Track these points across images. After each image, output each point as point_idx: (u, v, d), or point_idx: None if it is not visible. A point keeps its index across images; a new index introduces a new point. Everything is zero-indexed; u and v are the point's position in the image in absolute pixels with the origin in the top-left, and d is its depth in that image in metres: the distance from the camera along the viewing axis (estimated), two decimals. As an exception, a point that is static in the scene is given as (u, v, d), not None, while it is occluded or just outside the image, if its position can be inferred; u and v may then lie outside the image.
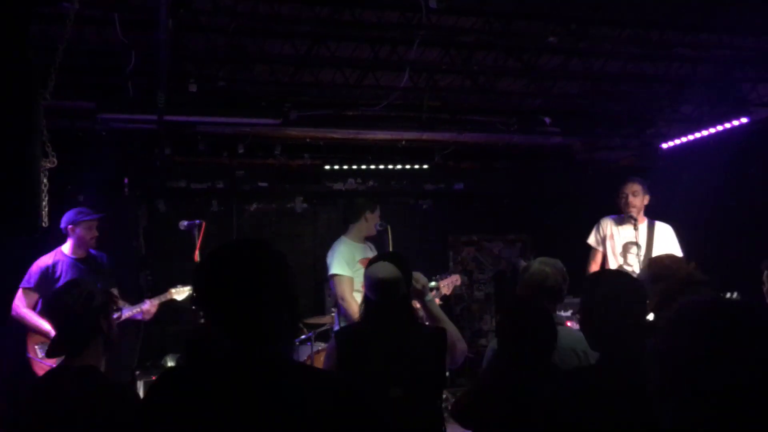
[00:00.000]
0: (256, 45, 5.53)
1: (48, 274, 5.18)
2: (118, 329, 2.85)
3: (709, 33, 5.57)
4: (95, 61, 5.53)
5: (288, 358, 1.80)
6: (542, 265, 3.45)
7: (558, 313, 3.35)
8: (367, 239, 5.69)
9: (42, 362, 5.02)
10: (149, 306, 5.50)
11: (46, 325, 4.96)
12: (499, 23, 5.26)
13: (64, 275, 5.19)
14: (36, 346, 5.09)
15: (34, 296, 5.14)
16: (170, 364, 7.00)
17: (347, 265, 5.40)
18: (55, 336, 2.77)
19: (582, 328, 2.65)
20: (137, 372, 6.80)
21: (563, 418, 2.39)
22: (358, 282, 5.36)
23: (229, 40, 5.34)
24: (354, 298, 5.28)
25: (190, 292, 5.72)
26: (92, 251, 5.47)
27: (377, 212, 5.65)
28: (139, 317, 5.49)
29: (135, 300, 7.29)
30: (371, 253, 5.56)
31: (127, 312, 5.36)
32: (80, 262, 5.31)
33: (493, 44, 5.63)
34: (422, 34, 5.18)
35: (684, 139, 7.08)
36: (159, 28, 4.26)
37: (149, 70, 5.18)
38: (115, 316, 2.85)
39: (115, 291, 5.07)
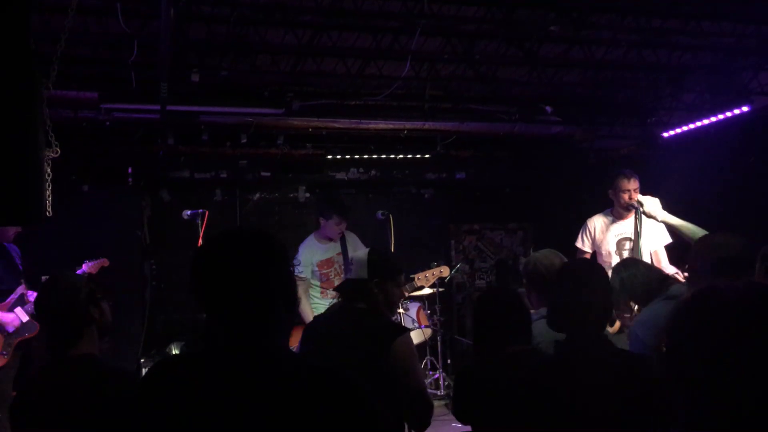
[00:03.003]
0: (257, 34, 5.54)
1: None
2: (112, 315, 2.84)
3: (710, 21, 5.57)
4: (98, 52, 5.56)
5: (283, 350, 1.76)
6: (552, 254, 3.45)
7: None
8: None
9: None
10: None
11: None
12: (500, 12, 5.27)
13: None
14: None
15: None
16: (175, 352, 7.04)
17: (303, 267, 5.80)
18: (48, 334, 2.74)
19: (549, 318, 2.66)
20: (142, 360, 6.85)
21: (532, 399, 2.43)
22: (316, 283, 5.85)
23: (230, 29, 5.35)
24: (306, 299, 5.72)
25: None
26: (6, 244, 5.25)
27: (333, 221, 5.75)
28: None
29: (137, 292, 7.34)
30: (332, 253, 5.84)
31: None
32: None
33: (494, 33, 5.64)
34: (423, 23, 5.20)
35: (685, 128, 7.08)
36: (161, 17, 4.27)
37: (152, 60, 5.20)
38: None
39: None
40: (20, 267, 5.23)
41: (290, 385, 1.62)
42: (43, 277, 5.32)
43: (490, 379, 2.74)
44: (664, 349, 1.47)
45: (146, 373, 1.74)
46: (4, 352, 4.97)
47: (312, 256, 5.81)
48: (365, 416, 1.67)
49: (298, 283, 5.67)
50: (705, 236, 3.52)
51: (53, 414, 2.47)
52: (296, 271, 5.74)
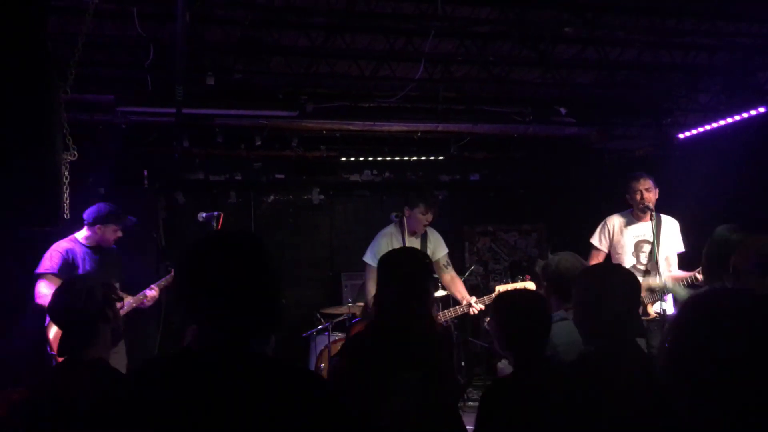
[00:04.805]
0: (271, 37, 5.57)
1: (68, 259, 5.09)
2: (124, 319, 2.86)
3: (725, 21, 5.53)
4: (114, 55, 5.60)
5: (260, 352, 1.74)
6: (573, 257, 3.46)
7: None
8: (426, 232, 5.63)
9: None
10: (154, 292, 5.45)
11: None
12: (513, 13, 5.26)
13: (81, 264, 5.12)
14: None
15: (58, 282, 4.83)
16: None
17: (377, 257, 5.43)
18: (62, 336, 2.77)
19: (576, 322, 2.68)
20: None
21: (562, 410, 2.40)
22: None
23: (244, 32, 5.38)
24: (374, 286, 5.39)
25: None
26: None
27: (419, 209, 5.43)
28: (145, 305, 5.44)
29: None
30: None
31: (130, 303, 5.30)
32: (95, 252, 5.24)
33: (507, 34, 5.62)
34: (437, 25, 5.20)
35: (701, 129, 7.04)
36: (176, 21, 4.31)
37: (167, 63, 5.24)
38: (119, 305, 2.87)
39: (117, 285, 5.11)
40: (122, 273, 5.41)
41: (257, 384, 1.63)
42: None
43: (541, 390, 2.58)
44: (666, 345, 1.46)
45: (129, 375, 1.77)
46: None
47: (389, 247, 5.44)
48: (338, 419, 1.68)
49: (367, 269, 5.56)
50: (753, 236, 3.47)
51: (61, 416, 2.49)
52: (366, 257, 5.58)
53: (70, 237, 5.25)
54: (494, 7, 5.22)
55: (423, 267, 3.12)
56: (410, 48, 5.74)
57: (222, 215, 5.34)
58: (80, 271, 5.10)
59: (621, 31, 5.64)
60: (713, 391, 1.33)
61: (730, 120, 6.60)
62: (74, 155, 4.61)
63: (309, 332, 6.95)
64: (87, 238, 5.25)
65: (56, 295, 2.79)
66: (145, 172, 7.52)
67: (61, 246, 5.15)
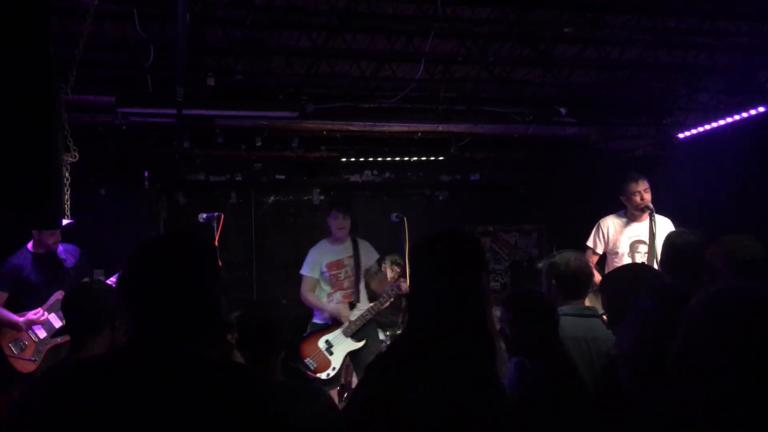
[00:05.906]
0: (272, 38, 5.57)
1: (14, 272, 5.19)
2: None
3: (726, 21, 5.53)
4: (115, 56, 5.60)
5: (200, 354, 1.72)
6: (581, 255, 3.52)
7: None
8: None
9: (20, 357, 5.06)
10: None
11: (13, 317, 5.03)
12: (514, 13, 5.26)
13: (28, 273, 5.20)
14: (10, 344, 5.09)
15: (4, 296, 5.16)
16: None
17: (310, 267, 5.85)
18: (65, 323, 2.86)
19: (610, 324, 2.73)
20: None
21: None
22: (326, 287, 5.85)
23: (245, 33, 5.38)
24: (314, 295, 5.82)
25: None
26: (59, 247, 5.37)
27: (332, 215, 5.80)
28: None
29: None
30: (342, 255, 5.84)
31: None
32: (41, 258, 5.26)
33: (508, 34, 5.63)
34: (437, 25, 5.20)
35: (701, 129, 7.03)
36: (177, 22, 4.31)
37: (168, 64, 5.24)
38: None
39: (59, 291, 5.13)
40: (70, 273, 5.28)
41: (182, 385, 1.62)
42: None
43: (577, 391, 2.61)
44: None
45: (63, 376, 1.77)
46: (34, 358, 5.06)
47: (321, 256, 5.84)
48: (275, 423, 1.67)
49: (302, 281, 5.85)
50: (727, 237, 3.52)
51: (51, 417, 2.49)
52: (302, 269, 5.86)
53: (23, 248, 5.30)
54: (494, 8, 5.23)
55: (469, 254, 2.28)
56: (411, 48, 5.74)
57: (223, 216, 5.33)
58: (30, 279, 5.19)
59: (621, 31, 5.65)
60: (730, 393, 1.30)
61: (730, 119, 6.60)
62: (75, 156, 4.62)
63: (309, 332, 6.94)
64: (33, 245, 5.29)
65: (71, 292, 2.84)
66: (146, 173, 7.52)
67: (10, 262, 5.23)
